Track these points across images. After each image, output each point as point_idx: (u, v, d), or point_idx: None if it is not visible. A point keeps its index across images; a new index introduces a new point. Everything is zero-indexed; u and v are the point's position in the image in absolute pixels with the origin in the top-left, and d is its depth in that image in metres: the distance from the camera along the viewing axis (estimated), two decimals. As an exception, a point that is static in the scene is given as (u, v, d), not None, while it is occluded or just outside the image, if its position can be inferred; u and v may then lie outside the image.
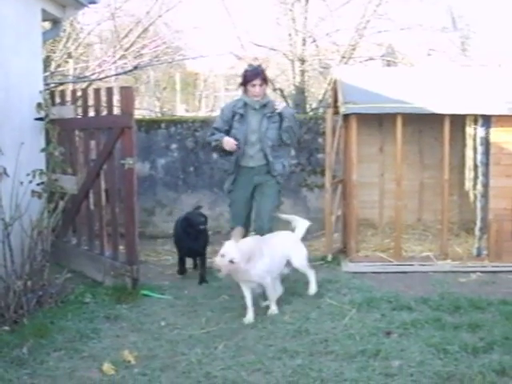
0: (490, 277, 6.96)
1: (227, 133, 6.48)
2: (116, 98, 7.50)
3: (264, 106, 6.46)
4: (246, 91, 6.51)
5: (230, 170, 6.55)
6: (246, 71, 6.55)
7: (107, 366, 4.60)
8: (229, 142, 6.38)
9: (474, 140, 7.65)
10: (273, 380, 4.35)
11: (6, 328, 5.34)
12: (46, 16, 7.54)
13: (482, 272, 7.11)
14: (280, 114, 6.41)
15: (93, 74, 11.80)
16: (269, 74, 14.29)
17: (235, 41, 14.55)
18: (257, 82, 6.37)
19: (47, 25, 8.22)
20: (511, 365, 4.40)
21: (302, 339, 5.08)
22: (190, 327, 5.40)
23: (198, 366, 4.60)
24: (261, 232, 6.34)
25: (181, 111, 18.91)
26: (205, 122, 9.76)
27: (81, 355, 4.87)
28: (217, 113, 17.65)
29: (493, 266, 7.26)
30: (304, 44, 13.89)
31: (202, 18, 27.68)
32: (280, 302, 5.83)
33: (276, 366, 4.57)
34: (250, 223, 6.75)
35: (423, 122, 8.57)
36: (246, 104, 6.48)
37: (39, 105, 6.86)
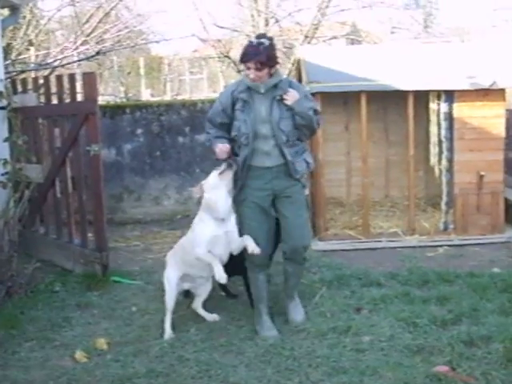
0: (457, 250, 7.05)
1: (227, 127, 4.99)
2: (79, 85, 7.42)
3: (274, 87, 4.83)
4: None
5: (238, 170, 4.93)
6: (246, 46, 4.87)
7: (80, 354, 4.61)
8: (221, 152, 4.92)
9: (438, 116, 7.71)
10: (245, 360, 4.39)
11: (-24, 320, 5.31)
12: (4, 3, 7.42)
13: (449, 246, 7.20)
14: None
15: (55, 61, 11.64)
16: (232, 55, 14.42)
17: (198, 23, 14.49)
18: (251, 64, 4.72)
19: (6, 12, 8.08)
20: (479, 335, 4.49)
21: (273, 319, 5.10)
22: (161, 312, 5.38)
23: (170, 349, 4.63)
24: (295, 256, 5.02)
25: (146, 96, 18.75)
26: (170, 106, 9.72)
27: (53, 344, 4.87)
28: (182, 96, 17.64)
29: (459, 240, 7.35)
30: (267, 25, 13.90)
31: (164, 1, 27.45)
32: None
33: (248, 346, 4.62)
34: (271, 247, 5.12)
35: (388, 100, 8.60)
36: (249, 88, 4.89)
37: (0, 93, 6.77)
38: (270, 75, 4.78)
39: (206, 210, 4.85)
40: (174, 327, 5.02)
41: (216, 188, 4.82)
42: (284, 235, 5.02)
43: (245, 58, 4.76)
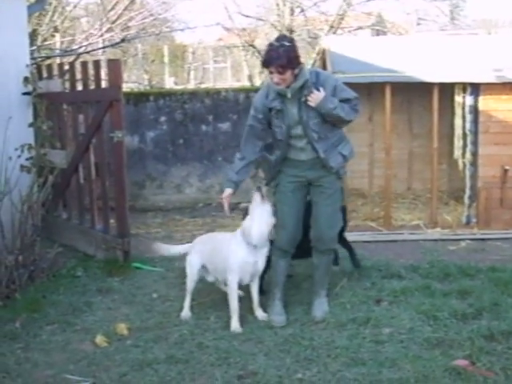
0: (479, 244, 7.00)
1: (266, 127, 4.98)
2: (104, 72, 7.45)
3: (300, 88, 4.75)
4: None
5: (271, 163, 5.08)
6: (267, 50, 4.80)
7: (100, 339, 4.64)
8: (223, 201, 5.04)
9: (463, 108, 7.66)
10: (265, 349, 4.39)
11: (-1, 303, 5.37)
12: (31, -11, 7.47)
13: (471, 239, 7.15)
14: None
15: (80, 48, 11.69)
16: (257, 44, 14.38)
17: (223, 12, 14.47)
18: (273, 69, 4.66)
19: (32, -2, 8.13)
20: (499, 330, 4.46)
21: (293, 309, 5.12)
22: (181, 299, 5.40)
23: (190, 336, 4.65)
24: (320, 245, 5.07)
25: (170, 84, 18.77)
26: (193, 94, 9.73)
27: (74, 328, 4.91)
28: (205, 85, 17.65)
29: (482, 234, 7.30)
30: (292, 14, 13.84)
31: (190, -11, 27.40)
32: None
33: (267, 335, 4.62)
34: (300, 233, 5.09)
35: (412, 91, 8.56)
36: (279, 93, 4.82)
37: (26, 79, 6.82)
38: (295, 76, 4.71)
39: (242, 234, 4.92)
40: (194, 314, 5.07)
41: (251, 213, 4.90)
42: (312, 222, 5.07)
43: (266, 62, 4.73)
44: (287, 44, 4.69)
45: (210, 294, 5.47)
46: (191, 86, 18.54)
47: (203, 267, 5.21)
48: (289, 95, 4.76)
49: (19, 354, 4.45)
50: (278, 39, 4.82)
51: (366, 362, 4.12)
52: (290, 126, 4.82)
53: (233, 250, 4.92)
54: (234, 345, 4.47)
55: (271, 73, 4.69)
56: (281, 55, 4.61)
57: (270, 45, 4.78)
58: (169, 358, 4.28)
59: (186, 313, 5.10)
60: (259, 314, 5.01)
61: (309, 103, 4.72)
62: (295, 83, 4.72)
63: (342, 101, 4.80)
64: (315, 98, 4.71)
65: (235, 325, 4.81)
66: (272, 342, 4.49)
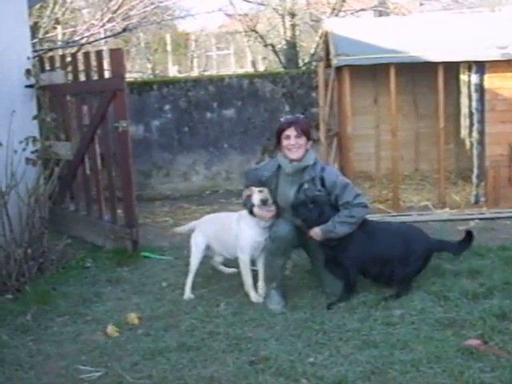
0: (489, 223, 6.97)
1: None
2: (107, 62, 7.42)
3: (302, 170, 4.96)
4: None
5: None
6: (280, 122, 5.08)
7: (111, 329, 4.64)
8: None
9: (469, 87, 7.60)
10: (276, 334, 4.39)
11: (9, 296, 5.39)
12: (31, -19, 7.43)
13: (480, 219, 7.12)
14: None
15: (82, 39, 11.66)
16: (259, 29, 14.33)
17: (224, -2, 14.40)
18: (291, 131, 4.89)
19: (32, -10, 8.09)
20: (511, 309, 4.44)
21: (303, 293, 5.12)
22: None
23: (200, 324, 4.65)
24: None
25: (173, 72, 18.69)
26: (197, 82, 9.72)
27: (84, 319, 4.92)
28: (209, 72, 17.59)
29: (491, 213, 7.27)
30: (294, -3, 13.72)
31: (190, -24, 27.29)
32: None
33: (278, 320, 4.62)
34: (295, 236, 5.04)
35: (417, 72, 8.51)
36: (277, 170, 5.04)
37: (28, 71, 6.80)
38: (306, 151, 4.95)
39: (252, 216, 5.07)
40: (204, 301, 5.07)
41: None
42: None
43: (283, 126, 4.94)
44: (302, 116, 5.32)
45: (220, 282, 5.47)
46: (195, 74, 18.48)
47: (208, 247, 5.37)
48: (290, 170, 4.93)
49: (31, 347, 4.46)
50: (286, 116, 5.46)
51: (377, 344, 4.11)
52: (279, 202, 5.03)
53: (243, 230, 5.07)
54: (245, 331, 4.47)
55: (288, 137, 4.90)
56: (298, 120, 5.00)
57: (283, 118, 5.15)
58: (180, 345, 4.28)
59: (187, 295, 5.19)
60: (259, 291, 5.13)
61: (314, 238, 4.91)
62: (299, 163, 4.92)
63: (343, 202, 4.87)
64: (315, 234, 4.90)
65: (255, 297, 5.03)
66: (283, 327, 4.49)
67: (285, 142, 4.93)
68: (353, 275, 4.94)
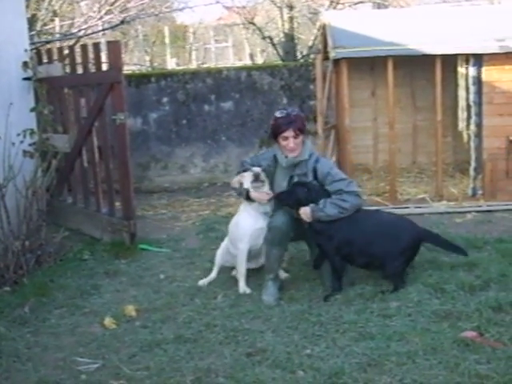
0: (486, 216, 6.98)
1: None
2: (104, 54, 7.41)
3: (295, 164, 5.04)
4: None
5: None
6: (276, 119, 5.00)
7: (109, 321, 4.66)
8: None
9: (466, 80, 7.59)
10: (272, 326, 4.40)
11: (7, 288, 5.39)
12: (28, -27, 7.40)
13: (477, 212, 7.13)
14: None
15: (79, 31, 11.62)
16: (257, 22, 14.33)
17: (222, -10, 14.36)
18: (289, 133, 4.89)
19: (29, -18, 8.08)
20: (507, 301, 4.45)
21: (299, 286, 5.13)
22: (188, 279, 5.45)
23: (198, 316, 4.66)
24: None
25: (171, 65, 18.68)
26: (195, 74, 9.70)
27: (82, 311, 4.93)
28: (207, 65, 17.57)
29: (488, 206, 7.28)
30: (291, -11, 13.69)
31: (188, -33, 27.21)
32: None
33: (275, 312, 4.63)
34: (291, 226, 5.05)
35: (415, 64, 8.50)
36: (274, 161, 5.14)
37: (25, 64, 6.78)
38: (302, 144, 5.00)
39: (250, 203, 5.10)
40: (201, 293, 5.10)
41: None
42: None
43: (282, 128, 4.90)
44: (295, 110, 5.09)
45: (217, 274, 5.47)
46: (193, 66, 18.46)
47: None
48: (284, 165, 5.00)
49: (29, 339, 4.47)
50: (281, 110, 5.07)
51: (374, 336, 4.12)
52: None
53: (243, 218, 5.16)
54: (242, 323, 4.48)
55: (286, 139, 4.90)
56: (294, 119, 4.92)
57: (279, 114, 4.99)
58: (177, 337, 4.30)
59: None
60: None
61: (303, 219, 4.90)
62: (295, 158, 4.98)
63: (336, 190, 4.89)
64: (303, 213, 4.88)
65: (243, 287, 5.05)
66: (280, 319, 4.50)
67: (283, 143, 4.96)
68: (336, 263, 4.92)
